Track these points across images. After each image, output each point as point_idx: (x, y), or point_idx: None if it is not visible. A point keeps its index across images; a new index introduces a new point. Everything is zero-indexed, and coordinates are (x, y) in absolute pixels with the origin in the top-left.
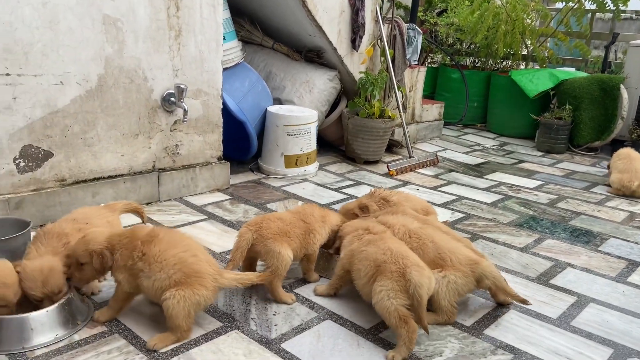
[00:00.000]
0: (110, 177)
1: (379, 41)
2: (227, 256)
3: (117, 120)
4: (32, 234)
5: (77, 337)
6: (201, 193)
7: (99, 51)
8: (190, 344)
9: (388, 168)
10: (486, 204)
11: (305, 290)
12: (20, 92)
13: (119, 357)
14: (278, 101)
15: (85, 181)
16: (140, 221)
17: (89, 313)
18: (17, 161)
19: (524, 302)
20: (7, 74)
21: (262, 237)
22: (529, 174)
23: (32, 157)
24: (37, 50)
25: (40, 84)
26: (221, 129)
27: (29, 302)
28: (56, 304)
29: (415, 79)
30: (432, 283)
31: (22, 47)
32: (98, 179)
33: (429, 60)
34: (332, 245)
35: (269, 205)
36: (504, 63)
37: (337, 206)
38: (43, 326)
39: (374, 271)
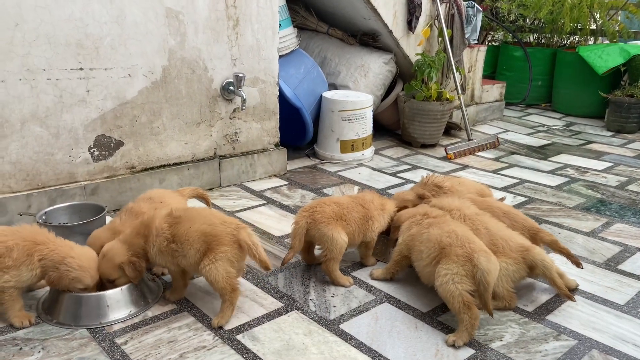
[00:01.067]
0: (175, 164)
1: (436, 21)
2: (286, 240)
3: (181, 110)
4: (107, 218)
5: (150, 313)
6: (260, 179)
7: (162, 44)
8: (253, 322)
9: (446, 151)
10: (551, 187)
11: (363, 274)
12: (92, 85)
13: (189, 333)
14: (333, 86)
15: (152, 168)
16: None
17: (159, 292)
18: (91, 150)
19: (570, 297)
20: (81, 68)
21: (315, 221)
22: (598, 155)
23: (105, 146)
24: (106, 45)
25: (110, 77)
26: (278, 116)
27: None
28: (129, 284)
29: (475, 58)
30: (497, 270)
31: (93, 42)
32: (164, 166)
33: (489, 39)
34: (390, 230)
35: (325, 191)
36: (571, 39)
37: (393, 191)
38: (118, 303)
39: (437, 253)
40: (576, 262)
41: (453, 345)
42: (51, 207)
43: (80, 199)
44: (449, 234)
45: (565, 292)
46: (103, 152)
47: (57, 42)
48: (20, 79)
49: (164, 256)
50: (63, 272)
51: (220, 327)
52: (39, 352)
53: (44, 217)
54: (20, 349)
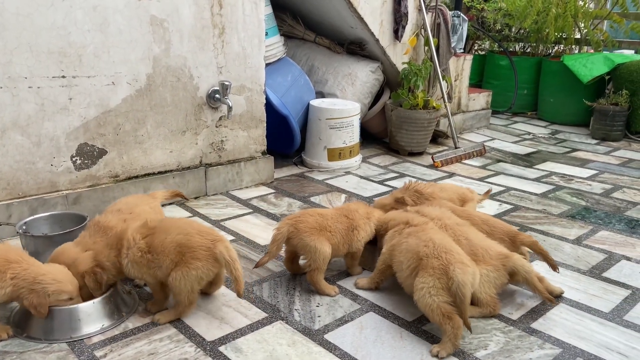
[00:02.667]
0: (160, 172)
1: (422, 30)
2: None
3: (165, 118)
4: None
5: (130, 325)
6: (246, 187)
7: (147, 51)
8: (236, 333)
9: (433, 159)
10: (536, 194)
11: (348, 283)
12: (75, 93)
13: (170, 345)
14: (320, 95)
15: (136, 177)
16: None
17: (134, 305)
18: (74, 159)
19: (551, 300)
20: (63, 76)
21: (298, 231)
22: (583, 163)
23: (88, 155)
24: (89, 53)
25: (93, 84)
26: (265, 124)
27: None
28: (102, 297)
29: (461, 67)
30: (476, 280)
31: (76, 49)
32: (149, 174)
33: (475, 48)
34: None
35: (312, 199)
36: (556, 48)
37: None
38: (89, 317)
39: (416, 264)
40: (553, 265)
41: (437, 356)
42: (32, 217)
43: (62, 209)
44: (426, 244)
45: (547, 295)
46: (86, 161)
47: (39, 50)
48: (1, 87)
49: (139, 267)
50: (40, 291)
51: (157, 323)
52: None
53: (24, 227)
54: None
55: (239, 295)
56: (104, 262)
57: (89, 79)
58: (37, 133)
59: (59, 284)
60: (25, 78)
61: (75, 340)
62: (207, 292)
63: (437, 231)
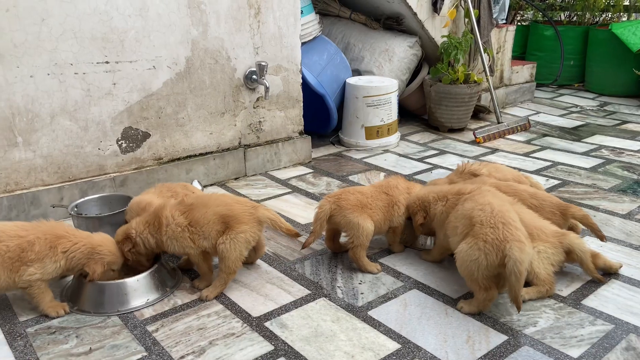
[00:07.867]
0: (201, 154)
1: (462, 2)
2: (311, 227)
3: (205, 100)
4: None
5: (179, 301)
6: (285, 167)
7: (185, 34)
8: (281, 309)
9: (474, 135)
10: (585, 169)
11: (391, 260)
12: (118, 78)
13: (217, 321)
14: (357, 72)
15: (179, 159)
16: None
17: (178, 280)
18: (119, 142)
19: (601, 280)
20: (107, 62)
21: (340, 208)
22: (633, 135)
23: (132, 138)
24: (131, 38)
25: (135, 69)
26: (301, 104)
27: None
28: (146, 272)
29: (504, 39)
30: (533, 259)
31: (118, 35)
32: (190, 156)
33: (518, 18)
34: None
35: (350, 178)
36: (604, 16)
37: (420, 176)
38: (136, 292)
39: (469, 230)
40: (601, 236)
41: (460, 310)
42: (82, 199)
43: (110, 191)
44: (482, 208)
45: (597, 276)
46: (131, 144)
47: (83, 36)
48: (48, 74)
49: (180, 242)
50: (99, 260)
51: (205, 299)
52: (74, 339)
53: (75, 209)
54: (56, 337)
55: (297, 236)
56: (133, 236)
57: (131, 64)
58: (84, 118)
59: (113, 255)
60: (71, 64)
61: (127, 314)
62: (251, 260)
63: (496, 194)
